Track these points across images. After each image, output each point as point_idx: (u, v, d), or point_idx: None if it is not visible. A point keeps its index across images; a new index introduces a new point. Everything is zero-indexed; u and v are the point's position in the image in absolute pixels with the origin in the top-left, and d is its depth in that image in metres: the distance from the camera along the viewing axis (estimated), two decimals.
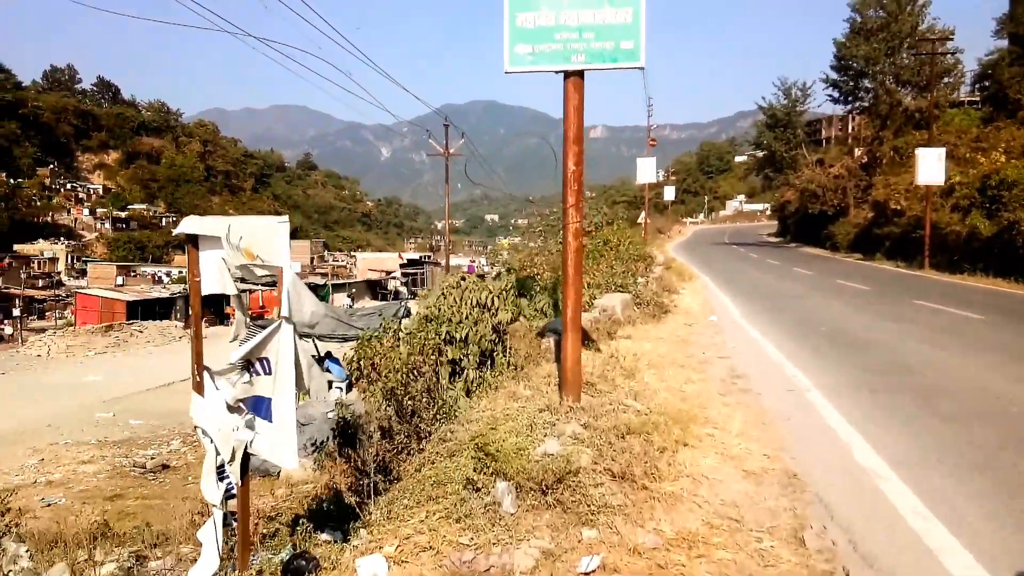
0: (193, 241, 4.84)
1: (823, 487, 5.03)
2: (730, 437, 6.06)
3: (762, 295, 19.02)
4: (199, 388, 4.78)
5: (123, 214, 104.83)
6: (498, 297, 8.67)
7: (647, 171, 41.97)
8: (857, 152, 48.53)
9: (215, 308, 42.61)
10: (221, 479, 4.92)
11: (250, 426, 4.63)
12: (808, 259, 35.77)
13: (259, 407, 4.54)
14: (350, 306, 45.59)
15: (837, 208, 45.16)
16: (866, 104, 46.61)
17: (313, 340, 22.07)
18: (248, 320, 5.55)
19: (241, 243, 4.56)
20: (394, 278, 65.19)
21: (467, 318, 8.45)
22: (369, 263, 77.75)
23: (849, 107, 49.01)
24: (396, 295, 53.06)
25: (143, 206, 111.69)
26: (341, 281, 61.03)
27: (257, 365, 4.54)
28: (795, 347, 10.79)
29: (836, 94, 47.53)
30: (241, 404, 4.59)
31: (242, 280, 4.90)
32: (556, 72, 6.04)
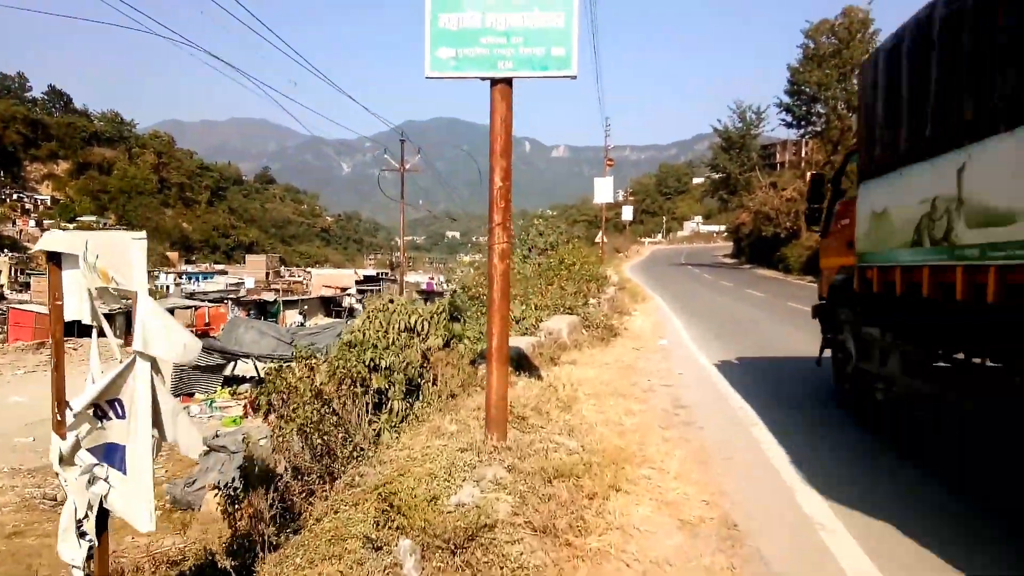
0: (56, 259, 4.16)
1: (764, 540, 4.53)
2: (667, 479, 5.54)
3: (714, 318, 18.76)
4: (60, 429, 4.08)
5: (71, 226, 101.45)
6: (428, 321, 8.07)
7: (605, 191, 41.97)
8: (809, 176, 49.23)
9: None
10: (82, 536, 4.21)
11: (104, 477, 3.94)
12: (761, 281, 35.92)
13: (112, 456, 3.85)
14: (301, 324, 44.38)
15: (790, 231, 45.67)
16: (818, 129, 47.39)
17: (252, 361, 21.23)
18: (118, 350, 4.85)
19: (97, 263, 3.89)
20: (349, 295, 63.95)
21: (394, 343, 7.82)
22: (324, 279, 76.34)
23: (802, 131, 49.81)
24: (351, 312, 51.98)
25: (92, 218, 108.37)
26: (294, 298, 59.61)
27: (109, 408, 3.86)
28: (742, 374, 10.39)
29: (789, 118, 48.30)
30: (92, 452, 3.90)
31: (103, 303, 4.25)
32: (482, 79, 5.53)
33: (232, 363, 21.03)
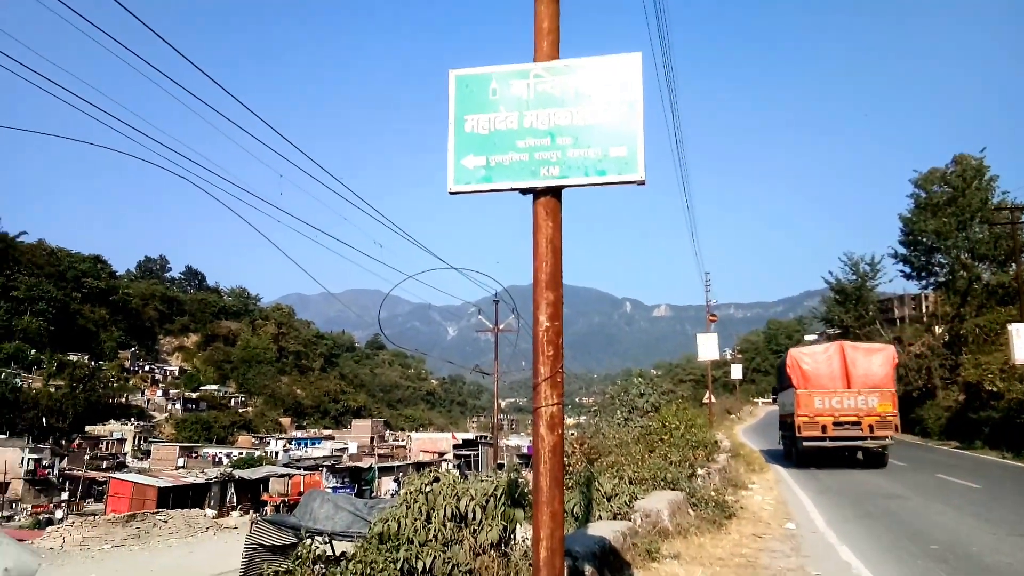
0: None
1: None
2: None
3: (848, 493, 15.77)
4: None
5: (194, 395, 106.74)
6: (483, 506, 6.36)
7: (708, 347, 39.78)
8: (937, 330, 45.15)
9: (252, 494, 40.50)
10: None
11: None
12: (897, 448, 31.60)
13: None
14: (395, 493, 42.67)
15: (923, 390, 41.09)
16: (941, 279, 43.86)
17: (328, 539, 19.43)
18: None
19: None
20: (446, 460, 62.14)
21: (435, 538, 6.12)
22: (422, 444, 75.05)
23: (923, 283, 46.28)
24: None
25: (214, 387, 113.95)
26: (390, 464, 58.30)
27: None
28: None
29: (908, 269, 45.13)
30: None
31: None
32: (522, 191, 4.29)
33: (308, 541, 19.37)
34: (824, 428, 20.45)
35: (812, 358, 21.81)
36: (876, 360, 21.52)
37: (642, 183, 4.13)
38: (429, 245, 19.01)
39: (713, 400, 43.13)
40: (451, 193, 4.34)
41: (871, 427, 20.42)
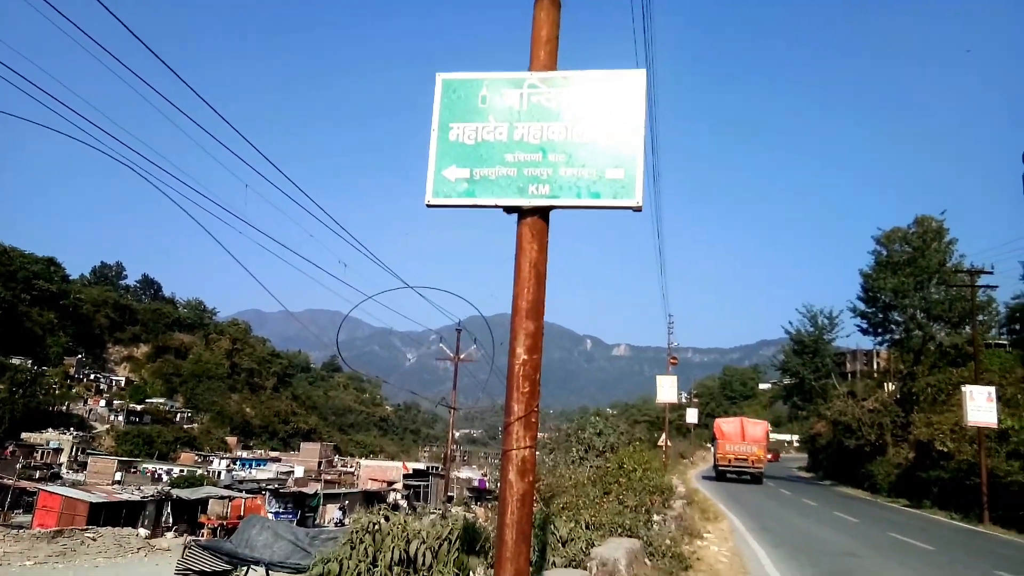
0: None
1: None
2: None
3: (804, 548, 15.49)
4: None
5: (139, 407, 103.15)
6: (433, 551, 5.85)
7: (668, 389, 39.76)
8: (889, 387, 45.91)
9: (190, 515, 38.81)
10: None
11: None
12: (848, 502, 31.70)
13: None
14: (340, 521, 41.38)
15: (874, 445, 41.46)
16: (897, 337, 44.62)
17: (266, 569, 18.51)
18: None
19: None
20: (395, 490, 60.66)
21: None
22: (371, 471, 73.23)
23: (879, 339, 47.03)
24: (395, 509, 48.55)
25: (161, 400, 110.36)
26: (336, 491, 56.60)
27: None
28: None
29: (865, 325, 45.85)
30: None
31: None
32: (507, 210, 3.92)
33: (243, 570, 18.43)
34: (730, 461, 38.77)
35: (727, 425, 40.42)
36: (759, 428, 40.26)
37: (638, 209, 3.82)
38: (397, 267, 18.54)
39: (668, 443, 42.93)
40: (429, 206, 4.00)
41: (753, 462, 38.52)
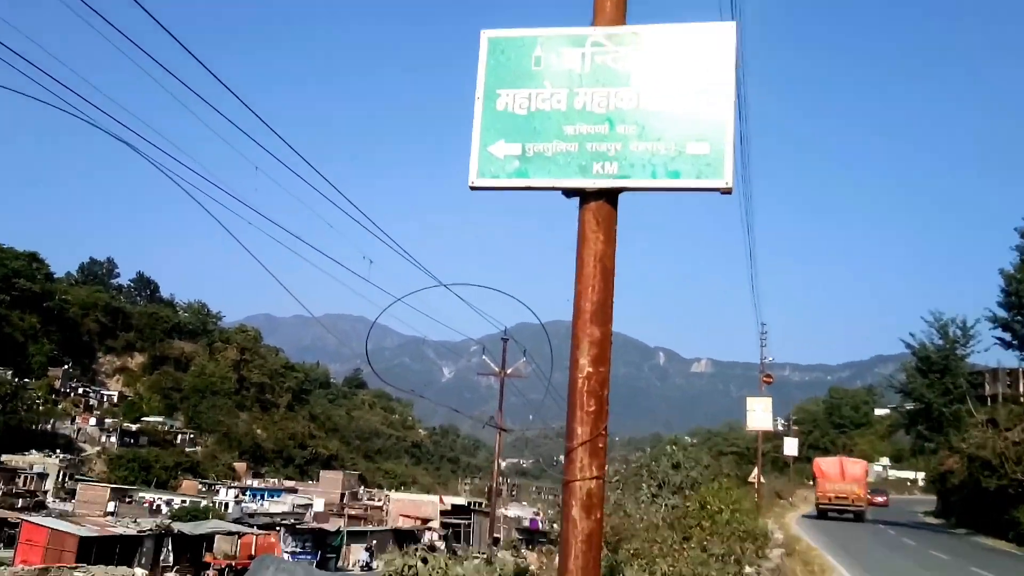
0: None
1: None
2: None
3: None
4: None
5: (134, 427, 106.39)
6: None
7: (761, 415, 39.36)
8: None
9: (193, 553, 39.83)
10: None
11: None
12: (991, 556, 30.69)
13: None
14: (366, 564, 41.99)
15: (1022, 485, 40.07)
16: None
17: None
18: None
19: None
20: (430, 529, 61.19)
21: None
22: (403, 506, 74.02)
23: None
24: (432, 551, 48.93)
25: (159, 419, 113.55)
26: (363, 528, 57.40)
27: None
28: None
29: (1008, 337, 44.43)
30: None
31: None
32: (567, 193, 3.98)
33: None
34: (830, 499, 44.15)
35: (826, 464, 46.37)
36: (858, 467, 46.58)
37: (728, 191, 3.79)
38: (431, 265, 18.71)
39: (762, 480, 42.37)
40: (473, 188, 4.04)
41: (853, 501, 43.65)
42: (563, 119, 3.96)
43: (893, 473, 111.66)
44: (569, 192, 3.96)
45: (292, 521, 55.06)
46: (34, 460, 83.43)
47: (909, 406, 58.81)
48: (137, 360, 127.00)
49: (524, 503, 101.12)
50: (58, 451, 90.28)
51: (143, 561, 36.15)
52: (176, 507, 70.83)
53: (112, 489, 73.72)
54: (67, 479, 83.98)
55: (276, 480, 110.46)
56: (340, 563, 47.07)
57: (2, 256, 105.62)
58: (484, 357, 34.14)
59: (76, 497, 72.32)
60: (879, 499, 61.26)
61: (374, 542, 50.73)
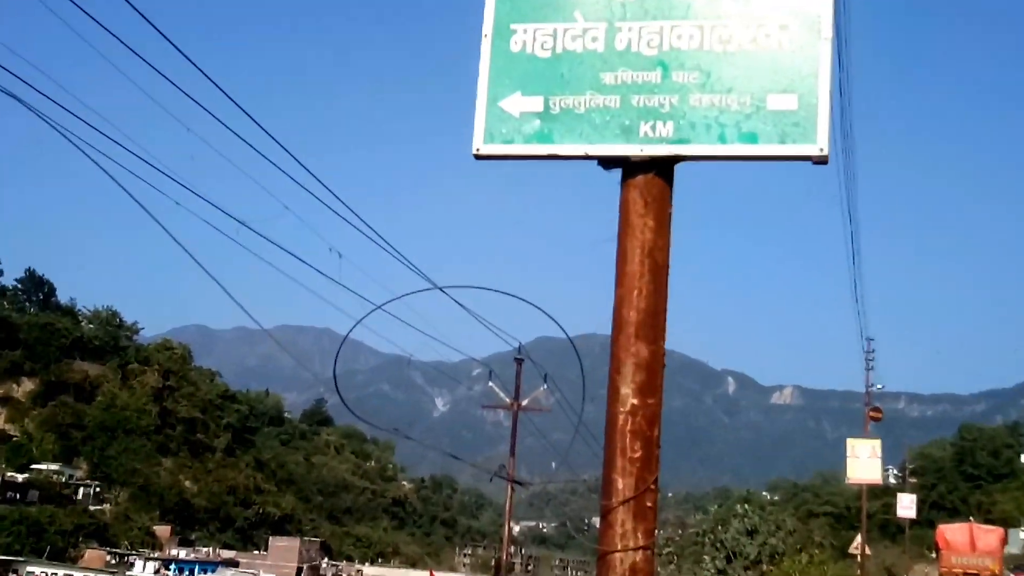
0: None
1: None
2: None
3: None
4: None
5: (20, 476, 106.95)
6: None
7: (866, 463, 39.37)
8: None
9: None
10: None
11: None
12: None
13: None
14: None
15: None
16: None
17: None
18: None
19: None
20: None
21: None
22: None
23: None
24: None
25: (54, 467, 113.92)
26: None
27: None
28: None
29: None
30: None
31: None
32: (604, 164, 4.04)
33: None
34: None
35: (951, 532, 45.36)
36: (992, 536, 45.58)
37: (823, 160, 3.85)
38: (420, 261, 18.76)
39: (867, 551, 42.41)
40: (478, 157, 4.14)
41: None
42: (601, 63, 4.01)
43: None
44: (608, 162, 3.99)
45: None
46: None
47: None
48: (25, 387, 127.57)
49: None
50: None
51: None
52: None
53: None
54: None
55: (210, 549, 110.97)
56: None
57: None
58: (491, 383, 34.18)
59: None
60: None
61: None
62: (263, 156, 13.50)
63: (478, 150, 4.07)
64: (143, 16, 10.34)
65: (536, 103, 4.03)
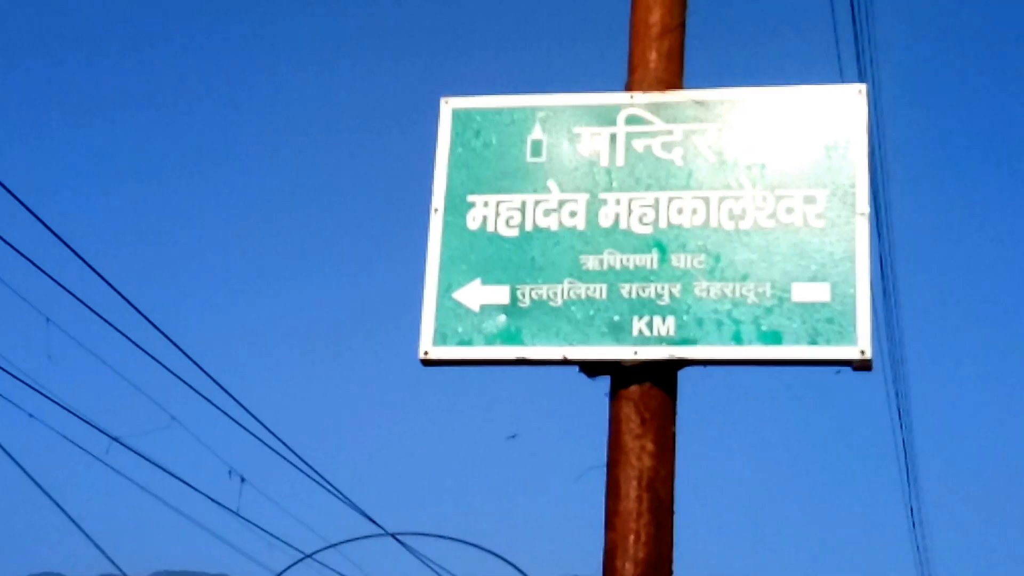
0: None
1: None
2: None
3: None
4: None
5: None
6: None
7: None
8: None
9: None
10: None
11: None
12: None
13: None
14: None
15: None
16: None
17: None
18: None
19: None
20: None
21: None
22: None
23: None
24: None
25: None
26: None
27: None
28: None
29: None
30: None
31: None
32: (588, 370, 3.54)
33: None
34: None
35: None
36: None
37: (865, 365, 3.31)
38: (365, 502, 17.73)
39: None
40: (426, 363, 3.58)
41: None
42: (581, 243, 3.56)
43: None
44: (594, 369, 3.51)
45: None
46: None
47: None
48: None
49: None
50: None
51: None
52: None
53: None
54: None
55: None
56: None
57: None
58: None
59: None
60: None
61: None
62: (144, 351, 12.47)
63: (426, 354, 3.53)
64: None
65: (501, 294, 3.57)
